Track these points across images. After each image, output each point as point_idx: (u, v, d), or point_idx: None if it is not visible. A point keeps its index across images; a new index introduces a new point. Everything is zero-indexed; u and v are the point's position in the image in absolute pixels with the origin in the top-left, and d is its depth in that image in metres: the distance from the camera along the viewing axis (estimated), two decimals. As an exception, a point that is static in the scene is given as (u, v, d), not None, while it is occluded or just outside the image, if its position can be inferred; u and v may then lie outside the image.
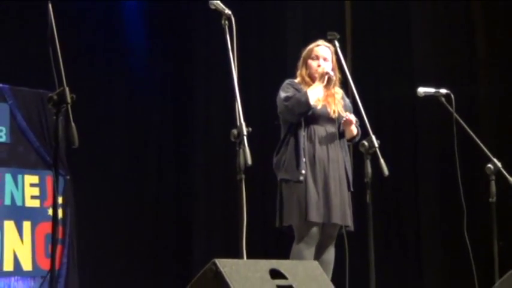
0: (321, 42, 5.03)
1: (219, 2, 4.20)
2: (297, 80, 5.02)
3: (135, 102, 7.89)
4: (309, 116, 4.86)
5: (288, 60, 6.57)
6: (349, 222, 4.88)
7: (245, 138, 3.90)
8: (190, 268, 7.45)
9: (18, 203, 6.82)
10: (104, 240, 7.30)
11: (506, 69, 7.17)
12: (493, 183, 5.20)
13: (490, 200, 5.20)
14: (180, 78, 8.17)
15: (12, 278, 6.70)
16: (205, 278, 3.29)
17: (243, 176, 3.89)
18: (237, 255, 3.84)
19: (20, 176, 6.85)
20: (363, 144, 4.59)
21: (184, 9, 8.03)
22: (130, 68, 7.89)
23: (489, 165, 5.21)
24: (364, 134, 4.76)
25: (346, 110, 4.97)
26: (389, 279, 6.37)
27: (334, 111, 4.92)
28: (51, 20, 3.47)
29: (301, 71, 5.02)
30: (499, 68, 7.23)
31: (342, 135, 4.96)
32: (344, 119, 4.87)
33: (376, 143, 4.56)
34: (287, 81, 5.02)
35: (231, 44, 4.09)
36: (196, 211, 7.96)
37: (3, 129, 6.79)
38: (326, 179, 4.80)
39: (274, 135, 5.12)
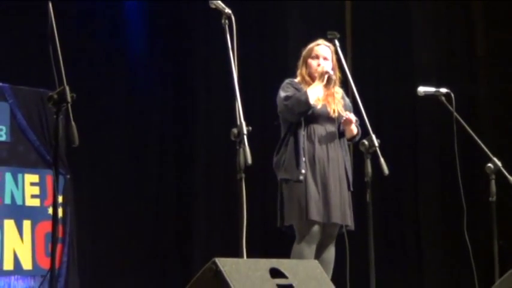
0: (321, 41, 5.03)
1: (219, 1, 4.20)
2: (297, 80, 5.02)
3: (135, 102, 7.88)
4: (309, 116, 4.86)
5: (288, 60, 6.57)
6: (349, 221, 4.88)
7: (245, 137, 3.91)
8: (190, 268, 7.45)
9: (18, 202, 6.82)
10: (104, 240, 7.30)
11: (506, 68, 7.18)
12: (493, 182, 5.20)
13: (490, 199, 5.21)
14: (180, 78, 8.16)
15: (13, 277, 6.70)
16: (205, 277, 3.29)
17: (243, 175, 3.89)
18: (237, 254, 3.84)
19: (20, 175, 6.84)
20: (363, 143, 4.59)
21: (184, 9, 8.02)
22: (130, 68, 7.88)
23: (489, 164, 5.22)
24: (364, 133, 4.76)
25: (346, 110, 4.97)
26: (389, 279, 6.37)
27: (334, 111, 4.92)
28: (51, 19, 3.47)
29: (301, 70, 5.02)
30: (499, 68, 7.24)
31: (342, 134, 4.96)
32: (344, 118, 4.87)
33: (376, 142, 4.57)
34: (287, 80, 5.02)
35: (231, 43, 4.09)
36: (196, 211, 7.96)
37: (3, 128, 6.79)
38: (326, 179, 4.80)
39: (275, 134, 5.12)
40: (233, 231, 4.16)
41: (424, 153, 7.35)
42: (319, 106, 4.88)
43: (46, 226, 6.80)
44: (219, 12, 4.16)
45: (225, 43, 4.09)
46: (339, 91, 5.04)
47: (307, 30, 7.16)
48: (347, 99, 5.10)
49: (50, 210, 6.67)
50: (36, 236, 6.84)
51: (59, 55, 3.39)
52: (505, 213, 5.74)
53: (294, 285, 3.48)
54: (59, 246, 6.63)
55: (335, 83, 4.96)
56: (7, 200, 6.76)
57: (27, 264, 6.76)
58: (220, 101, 7.58)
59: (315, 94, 4.84)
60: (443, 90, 5.35)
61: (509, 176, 5.18)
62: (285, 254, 4.78)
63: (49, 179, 6.89)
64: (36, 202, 6.89)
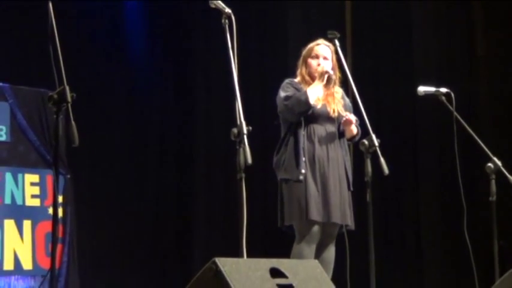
0: (321, 41, 5.03)
1: (219, 1, 4.20)
2: (297, 79, 5.02)
3: (135, 102, 7.89)
4: (309, 116, 4.86)
5: (288, 60, 6.57)
6: (349, 221, 4.88)
7: (245, 137, 3.91)
8: (190, 268, 7.44)
9: (19, 202, 6.82)
10: (104, 240, 7.30)
11: (506, 68, 7.18)
12: (493, 182, 5.19)
13: (490, 199, 5.20)
14: (180, 78, 8.16)
15: (13, 277, 6.70)
16: (205, 277, 3.29)
17: (243, 175, 3.89)
18: (237, 254, 3.84)
19: (20, 175, 6.84)
20: (363, 143, 4.59)
21: (184, 9, 8.03)
22: (130, 68, 7.89)
23: (489, 164, 5.21)
24: (364, 133, 4.76)
25: (346, 110, 4.96)
26: (389, 279, 6.37)
27: (334, 111, 4.92)
28: (51, 19, 3.48)
29: (301, 70, 5.02)
30: (499, 68, 7.24)
31: (341, 134, 4.96)
32: (344, 118, 4.86)
33: (376, 142, 4.57)
34: (287, 80, 5.02)
35: (231, 43, 4.09)
36: (196, 210, 7.96)
37: (4, 128, 6.79)
38: (326, 179, 4.80)
39: (275, 134, 5.12)
40: (233, 231, 4.16)
41: (424, 153, 7.35)
42: (319, 106, 4.88)
43: (46, 226, 6.80)
44: (219, 12, 4.16)
45: (225, 43, 4.09)
46: (338, 91, 5.04)
47: (307, 30, 7.17)
48: (347, 99, 5.10)
49: (50, 210, 6.67)
50: (37, 236, 6.84)
51: (59, 55, 3.40)
52: (505, 213, 5.74)
53: (294, 285, 3.48)
54: (59, 246, 6.63)
55: (335, 82, 4.95)
56: (7, 200, 6.76)
57: (27, 264, 6.77)
58: (220, 101, 7.58)
59: (315, 94, 4.83)
60: (443, 90, 5.35)
61: (509, 176, 5.17)
62: (285, 254, 4.78)
63: (49, 179, 6.90)
64: (36, 202, 6.90)
